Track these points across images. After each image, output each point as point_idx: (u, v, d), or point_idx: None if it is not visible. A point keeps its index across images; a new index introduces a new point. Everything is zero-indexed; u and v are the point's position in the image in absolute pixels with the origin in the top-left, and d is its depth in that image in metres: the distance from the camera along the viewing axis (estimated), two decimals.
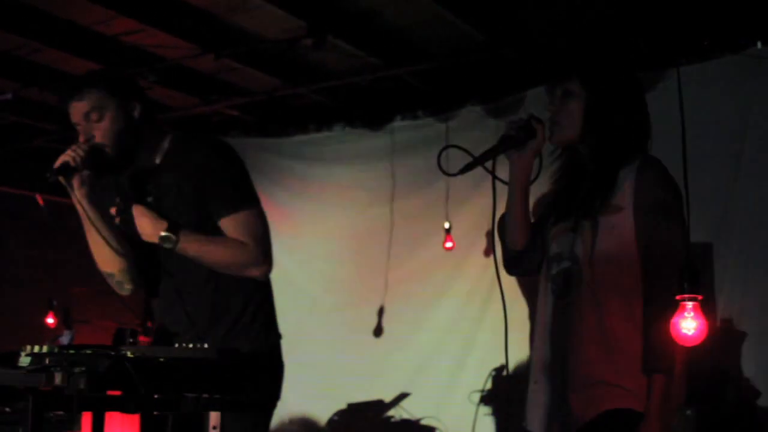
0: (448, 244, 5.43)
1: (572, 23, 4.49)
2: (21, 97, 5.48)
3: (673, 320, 2.13)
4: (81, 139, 2.62)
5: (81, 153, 2.55)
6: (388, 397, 5.63)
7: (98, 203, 2.62)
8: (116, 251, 2.67)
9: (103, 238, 2.64)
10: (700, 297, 2.11)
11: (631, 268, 2.35)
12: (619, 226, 2.37)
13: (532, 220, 2.58)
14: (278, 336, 2.75)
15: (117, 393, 1.90)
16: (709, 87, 4.42)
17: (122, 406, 1.93)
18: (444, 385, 5.48)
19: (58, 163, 2.55)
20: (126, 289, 2.79)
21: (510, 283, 4.57)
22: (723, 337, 4.25)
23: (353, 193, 6.03)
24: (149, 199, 2.67)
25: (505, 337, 2.34)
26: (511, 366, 3.60)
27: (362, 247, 5.94)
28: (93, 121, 2.62)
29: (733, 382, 4.23)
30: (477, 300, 5.32)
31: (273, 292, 2.77)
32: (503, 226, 2.57)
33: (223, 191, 2.64)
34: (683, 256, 2.13)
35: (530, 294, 4.36)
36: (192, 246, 2.60)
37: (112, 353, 1.92)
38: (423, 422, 5.43)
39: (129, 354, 1.93)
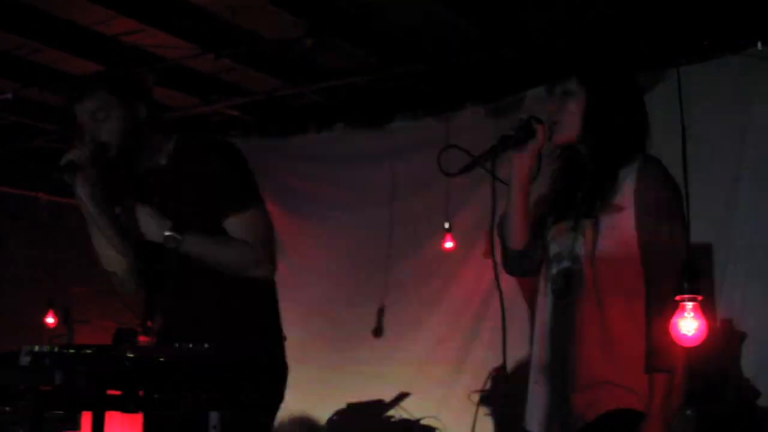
0: (448, 244, 5.43)
1: (572, 23, 4.49)
2: (21, 97, 5.47)
3: (673, 320, 2.14)
4: (86, 138, 2.62)
5: (86, 152, 2.56)
6: (388, 397, 5.63)
7: (102, 203, 2.63)
8: (119, 251, 2.67)
9: (107, 237, 2.64)
10: (700, 297, 2.11)
11: (632, 267, 2.35)
12: (620, 226, 2.37)
13: (532, 220, 2.59)
14: (282, 337, 2.75)
15: (117, 393, 1.90)
16: (709, 87, 4.43)
17: (122, 406, 1.93)
18: (444, 385, 5.49)
19: (63, 162, 2.56)
20: (129, 288, 2.79)
21: (510, 283, 4.55)
22: (723, 337, 4.25)
23: (353, 193, 6.03)
24: (154, 199, 2.67)
25: (503, 337, 2.34)
26: (511, 366, 3.61)
27: (362, 247, 5.94)
28: (99, 121, 2.62)
29: (733, 382, 4.23)
30: (477, 300, 5.33)
31: (277, 292, 2.77)
32: (503, 226, 2.57)
33: (227, 192, 2.64)
34: (684, 255, 2.14)
35: (530, 294, 4.36)
36: (196, 246, 2.60)
37: (112, 353, 1.92)
38: (423, 422, 5.43)
39: (129, 354, 1.93)
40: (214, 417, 2.05)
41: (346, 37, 4.74)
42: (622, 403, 2.31)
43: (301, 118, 6.11)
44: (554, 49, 4.61)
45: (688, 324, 2.14)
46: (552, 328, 2.46)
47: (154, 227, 2.60)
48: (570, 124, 2.47)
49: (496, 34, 4.68)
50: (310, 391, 5.49)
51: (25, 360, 1.87)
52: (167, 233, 2.57)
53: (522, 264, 2.59)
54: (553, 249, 2.50)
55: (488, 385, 5.11)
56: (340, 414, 5.70)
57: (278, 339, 2.74)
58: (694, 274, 2.10)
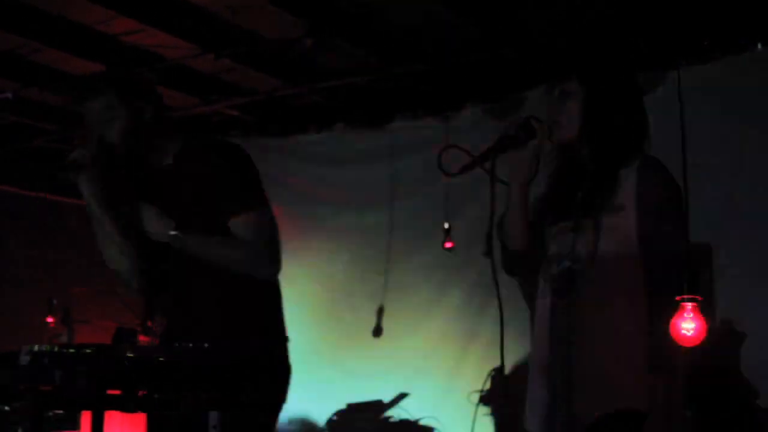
0: (448, 244, 5.43)
1: (572, 23, 4.49)
2: (21, 97, 5.47)
3: (673, 321, 2.14)
4: (92, 137, 2.63)
5: (91, 151, 2.57)
6: (387, 397, 5.63)
7: (107, 202, 2.63)
8: (122, 250, 2.68)
9: (110, 236, 2.65)
10: (699, 298, 2.11)
11: (633, 267, 2.36)
12: (621, 226, 2.37)
13: (531, 220, 2.59)
14: (285, 338, 2.74)
15: (117, 392, 1.90)
16: (710, 88, 4.43)
17: (122, 405, 1.93)
18: (443, 385, 5.49)
19: (68, 161, 2.56)
20: (133, 287, 2.79)
21: (509, 283, 4.56)
22: (723, 337, 4.25)
23: (353, 192, 6.03)
24: (159, 200, 2.67)
25: (501, 338, 2.34)
26: (511, 366, 3.60)
27: (362, 247, 5.94)
28: (105, 121, 2.63)
29: (733, 382, 4.23)
30: (476, 300, 5.33)
31: (282, 294, 2.77)
32: (503, 226, 2.57)
33: (231, 193, 2.64)
34: (684, 256, 2.14)
35: (529, 294, 4.36)
36: (200, 246, 2.60)
37: (112, 353, 1.92)
38: (422, 422, 5.43)
39: (129, 354, 1.93)
40: (214, 417, 2.05)
41: (346, 37, 4.74)
42: (624, 404, 2.31)
43: (301, 118, 6.11)
44: (554, 49, 4.61)
45: (688, 324, 2.14)
46: (552, 328, 2.45)
47: (158, 227, 2.60)
48: (570, 124, 2.47)
49: (496, 34, 4.68)
50: (310, 391, 5.49)
51: (25, 360, 1.87)
52: (172, 233, 2.58)
53: (522, 264, 2.59)
54: (553, 249, 2.50)
55: (487, 386, 5.11)
56: (339, 414, 5.70)
57: (281, 339, 2.73)
58: (693, 275, 2.10)
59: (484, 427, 5.06)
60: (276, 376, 2.67)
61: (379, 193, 5.86)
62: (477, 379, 5.15)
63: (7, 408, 2.24)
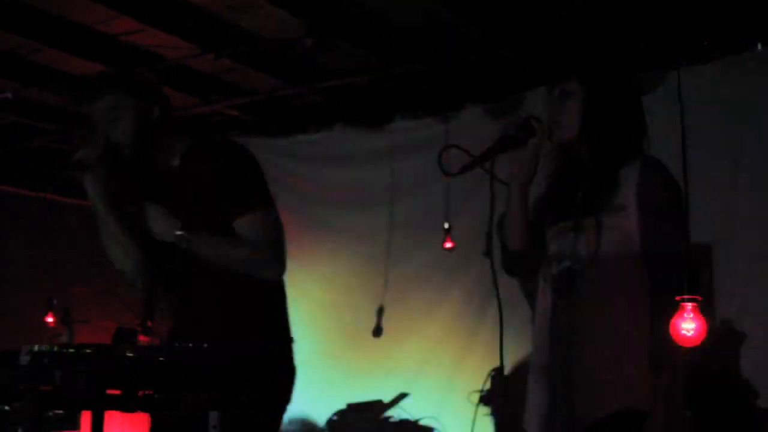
0: (448, 245, 5.43)
1: (572, 23, 4.49)
2: (21, 97, 5.47)
3: (673, 321, 2.14)
4: (97, 137, 2.63)
5: (96, 151, 2.57)
6: (387, 397, 5.62)
7: (112, 202, 2.63)
8: (127, 250, 2.68)
9: (114, 236, 2.65)
10: (699, 298, 2.11)
11: (634, 267, 2.36)
12: (621, 226, 2.37)
13: (531, 220, 2.59)
14: (290, 339, 2.74)
15: (117, 392, 1.90)
16: (710, 88, 4.43)
17: (122, 405, 1.93)
18: (443, 385, 5.49)
19: (73, 160, 2.56)
20: (138, 287, 2.79)
21: (509, 283, 4.57)
22: (723, 338, 4.25)
23: (353, 193, 6.03)
24: (165, 200, 2.67)
25: (500, 338, 2.34)
26: (511, 366, 3.61)
27: (362, 247, 5.94)
28: (111, 121, 2.63)
29: (733, 382, 4.23)
30: (476, 300, 5.32)
31: (286, 294, 2.77)
32: (502, 226, 2.57)
33: (236, 193, 2.64)
34: (684, 255, 2.14)
35: (529, 294, 4.36)
36: (206, 246, 2.60)
37: (112, 353, 1.92)
38: (422, 422, 5.43)
39: (129, 354, 1.93)
40: (214, 417, 2.05)
41: (346, 37, 4.74)
42: (623, 404, 2.31)
43: (301, 118, 6.11)
44: (554, 49, 4.61)
45: (688, 325, 2.14)
46: (553, 328, 2.45)
47: (164, 227, 2.60)
48: (569, 123, 2.47)
49: (496, 34, 4.68)
50: (310, 391, 5.49)
51: (25, 360, 1.87)
52: (177, 233, 2.58)
53: (522, 264, 2.60)
54: (553, 249, 2.50)
55: (487, 386, 5.11)
56: (339, 414, 5.70)
57: (284, 340, 2.73)
58: (694, 275, 2.10)
59: (484, 427, 5.06)
60: (279, 376, 2.67)
61: (379, 193, 5.85)
62: (477, 379, 5.15)
63: (7, 408, 2.24)
